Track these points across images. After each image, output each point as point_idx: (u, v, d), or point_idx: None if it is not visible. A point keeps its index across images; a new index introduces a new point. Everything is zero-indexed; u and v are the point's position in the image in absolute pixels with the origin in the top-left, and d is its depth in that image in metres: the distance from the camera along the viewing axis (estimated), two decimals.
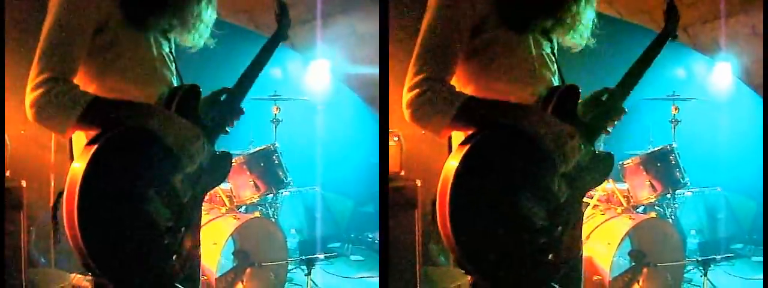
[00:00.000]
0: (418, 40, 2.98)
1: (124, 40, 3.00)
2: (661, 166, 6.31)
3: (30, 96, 2.83)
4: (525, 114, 3.01)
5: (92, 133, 2.89)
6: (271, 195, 6.37)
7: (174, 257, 3.06)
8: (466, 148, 2.89)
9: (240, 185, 6.24)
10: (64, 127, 2.85)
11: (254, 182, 6.23)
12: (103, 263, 2.80)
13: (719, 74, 7.88)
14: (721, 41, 7.34)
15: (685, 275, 6.35)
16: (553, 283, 3.14)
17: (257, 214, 6.14)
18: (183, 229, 3.07)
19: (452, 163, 2.87)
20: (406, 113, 2.94)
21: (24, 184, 4.96)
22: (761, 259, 7.48)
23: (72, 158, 3.01)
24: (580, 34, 3.25)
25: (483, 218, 2.91)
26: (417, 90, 2.91)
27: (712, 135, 7.89)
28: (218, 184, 3.34)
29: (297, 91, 7.17)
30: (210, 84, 3.36)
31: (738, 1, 7.05)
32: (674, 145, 6.40)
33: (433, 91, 2.90)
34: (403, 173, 5.38)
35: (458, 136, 3.03)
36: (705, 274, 6.05)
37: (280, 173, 6.38)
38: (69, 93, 2.82)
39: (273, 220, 6.34)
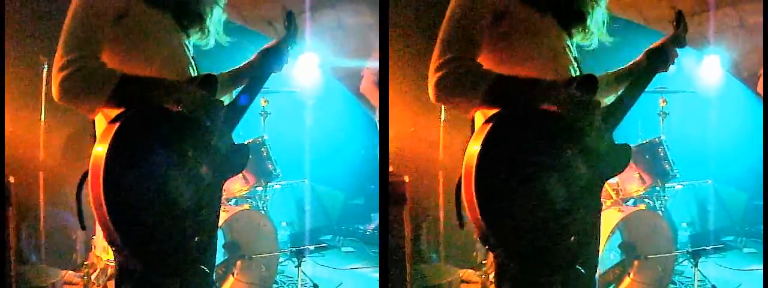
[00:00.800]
0: (443, 27, 3.03)
1: (147, 23, 3.08)
2: (650, 158, 6.35)
3: (58, 76, 2.87)
4: (553, 89, 3.06)
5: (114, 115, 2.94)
6: (261, 187, 6.40)
7: (195, 238, 3.12)
8: (488, 127, 2.93)
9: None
10: (95, 105, 2.91)
11: (243, 174, 6.26)
12: (128, 240, 2.87)
13: (708, 67, 7.87)
14: (709, 34, 7.36)
15: (676, 267, 6.39)
16: (577, 266, 3.22)
17: (247, 206, 6.17)
18: (204, 210, 3.13)
19: (475, 147, 2.90)
20: (433, 93, 2.97)
21: (12, 180, 4.98)
22: (753, 250, 7.57)
23: (95, 140, 3.02)
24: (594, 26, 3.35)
25: (507, 198, 2.95)
26: (445, 69, 2.94)
27: (702, 128, 7.91)
28: (236, 174, 3.43)
29: (285, 84, 7.18)
30: None
31: None
32: (662, 138, 6.44)
33: (463, 68, 2.94)
34: (391, 169, 5.39)
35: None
36: (695, 265, 6.06)
37: (269, 165, 6.40)
38: (99, 70, 2.89)
39: (263, 212, 6.36)
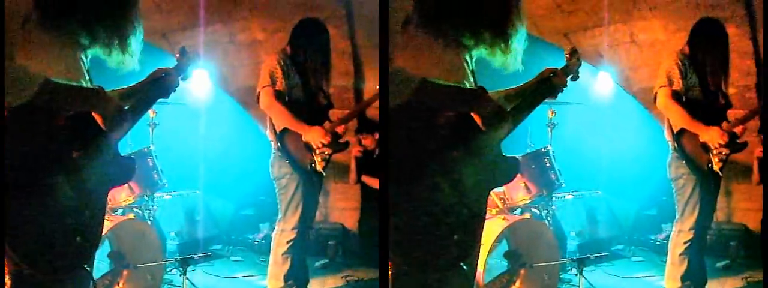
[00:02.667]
0: None
1: (45, 32, 3.26)
2: (536, 168, 6.49)
3: None
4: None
5: None
6: (147, 197, 6.40)
7: (78, 238, 3.17)
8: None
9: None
10: None
11: (129, 184, 6.23)
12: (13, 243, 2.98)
13: (601, 80, 8.04)
14: (602, 48, 7.53)
15: (563, 275, 6.56)
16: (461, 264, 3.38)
17: (131, 216, 6.18)
18: (87, 212, 3.19)
19: None
20: None
21: None
22: (641, 258, 7.72)
23: None
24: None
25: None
26: None
27: (594, 140, 8.08)
28: (122, 184, 3.55)
29: (178, 96, 7.18)
30: None
31: (617, 10, 7.26)
32: (549, 148, 6.60)
33: None
34: None
35: None
36: (580, 273, 6.19)
37: (155, 176, 6.44)
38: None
39: (149, 222, 6.36)
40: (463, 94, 3.38)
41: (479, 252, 3.68)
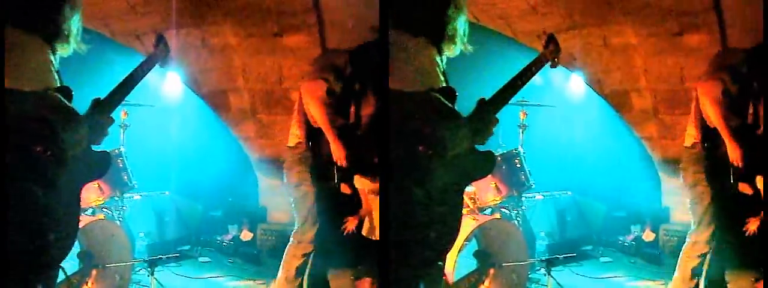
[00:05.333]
0: None
1: (16, 40, 3.38)
2: (506, 168, 6.64)
3: None
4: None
5: None
6: (117, 197, 6.50)
7: (51, 236, 3.28)
8: None
9: (85, 188, 6.17)
10: None
11: (99, 185, 6.36)
12: None
13: (574, 82, 8.19)
14: (575, 51, 7.62)
15: (531, 275, 6.69)
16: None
17: (101, 216, 6.25)
18: (60, 209, 3.30)
19: None
20: None
21: None
22: (609, 259, 7.87)
23: None
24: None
25: None
26: None
27: (565, 141, 8.24)
28: (96, 178, 3.63)
29: (150, 98, 7.28)
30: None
31: (591, 14, 7.37)
32: (520, 149, 6.74)
33: None
34: None
35: None
36: (549, 273, 6.32)
37: (125, 176, 6.56)
38: None
39: (118, 222, 6.46)
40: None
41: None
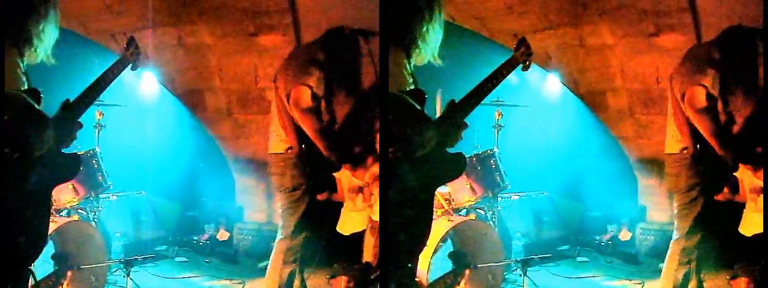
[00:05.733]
0: None
1: None
2: (481, 169, 6.66)
3: None
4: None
5: None
6: (92, 198, 6.51)
7: (22, 239, 3.30)
8: None
9: (59, 189, 6.22)
10: None
11: (73, 186, 6.33)
12: None
13: (550, 82, 8.22)
14: (550, 51, 7.66)
15: (507, 275, 6.71)
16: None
17: (76, 217, 6.21)
18: (28, 212, 3.31)
19: None
20: None
21: None
22: (586, 259, 7.90)
23: None
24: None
25: None
26: None
27: (541, 141, 8.26)
28: (67, 180, 3.65)
29: (126, 98, 7.28)
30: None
31: (567, 13, 7.38)
32: (495, 150, 6.77)
33: None
34: None
35: None
36: (524, 274, 6.36)
37: (100, 177, 6.56)
38: None
39: (93, 223, 6.47)
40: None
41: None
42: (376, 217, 5.47)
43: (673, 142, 5.43)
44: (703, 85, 5.11)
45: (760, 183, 5.26)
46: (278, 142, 5.32)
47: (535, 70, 7.88)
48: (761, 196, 5.29)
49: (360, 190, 5.62)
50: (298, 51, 5.83)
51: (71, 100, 3.92)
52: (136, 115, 7.80)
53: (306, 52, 5.32)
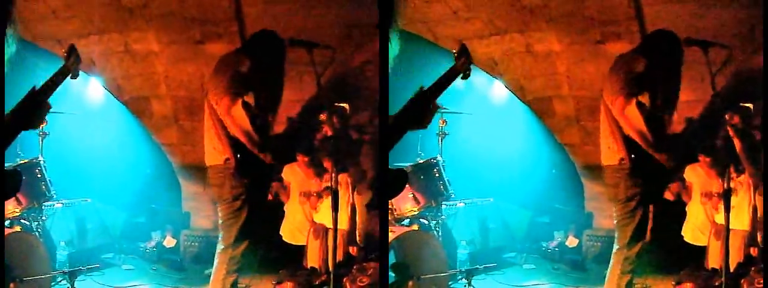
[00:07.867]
0: None
1: None
2: (424, 179, 6.73)
3: None
4: None
5: None
6: (35, 207, 6.55)
7: None
8: None
9: None
10: None
11: (16, 196, 6.32)
12: None
13: (496, 88, 8.24)
14: (496, 57, 7.72)
15: (452, 285, 6.78)
16: None
17: (18, 228, 6.27)
18: None
19: None
20: None
21: None
22: (532, 266, 7.99)
23: None
24: None
25: None
26: None
27: (487, 148, 8.30)
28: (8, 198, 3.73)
29: (71, 105, 7.29)
30: None
31: (514, 20, 7.45)
32: (439, 159, 6.84)
33: None
34: None
35: None
36: (469, 284, 6.46)
37: (43, 187, 6.59)
38: None
39: (36, 233, 6.50)
40: None
41: None
42: (320, 219, 5.61)
43: (610, 153, 5.58)
44: (631, 94, 5.33)
45: (717, 188, 5.43)
46: (215, 153, 5.43)
47: (481, 76, 7.97)
48: (714, 200, 5.47)
49: (311, 195, 5.75)
50: (224, 59, 5.90)
51: None
52: (82, 122, 7.80)
53: (232, 61, 5.43)
